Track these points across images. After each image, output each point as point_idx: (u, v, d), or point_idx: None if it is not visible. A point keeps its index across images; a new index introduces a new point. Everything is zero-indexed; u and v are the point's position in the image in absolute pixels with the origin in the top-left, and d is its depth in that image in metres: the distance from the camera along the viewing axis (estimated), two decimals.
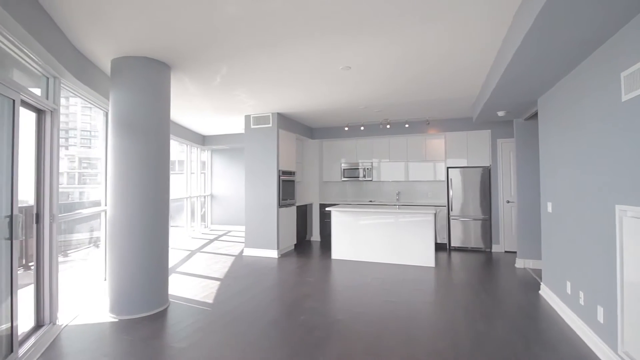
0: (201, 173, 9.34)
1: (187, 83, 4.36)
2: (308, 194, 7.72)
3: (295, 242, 6.74)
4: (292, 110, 5.98)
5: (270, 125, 6.04)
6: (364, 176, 7.47)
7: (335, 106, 5.64)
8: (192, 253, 6.31)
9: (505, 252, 6.37)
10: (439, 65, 3.74)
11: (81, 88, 3.44)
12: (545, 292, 3.90)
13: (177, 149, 8.23)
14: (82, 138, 4.97)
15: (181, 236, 8.10)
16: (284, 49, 3.29)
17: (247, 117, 6.21)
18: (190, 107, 5.78)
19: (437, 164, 7.02)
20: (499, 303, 3.70)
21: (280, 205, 6.07)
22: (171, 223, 8.85)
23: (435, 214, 5.37)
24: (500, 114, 4.86)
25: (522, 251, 5.30)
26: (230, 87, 4.56)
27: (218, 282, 4.45)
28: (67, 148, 4.45)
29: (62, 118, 3.15)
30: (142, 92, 3.48)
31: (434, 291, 4.12)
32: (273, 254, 5.95)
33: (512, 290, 4.18)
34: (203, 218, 9.53)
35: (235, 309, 3.51)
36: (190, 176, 8.34)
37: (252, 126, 6.16)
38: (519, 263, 5.29)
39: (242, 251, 6.29)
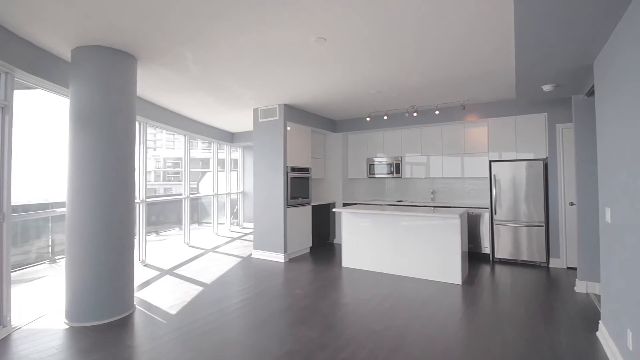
0: (232, 171, 9.29)
1: (170, 75, 4.07)
2: (330, 192, 7.08)
3: (310, 245, 6.18)
4: (300, 101, 5.41)
5: (276, 117, 5.55)
6: (393, 172, 6.58)
7: (343, 92, 4.92)
8: (204, 253, 6.14)
9: (568, 268, 4.99)
10: (462, 27, 2.83)
11: (40, 82, 3.32)
12: (603, 335, 2.76)
13: (202, 147, 8.24)
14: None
15: (207, 234, 8.10)
16: (247, 19, 2.74)
17: (255, 111, 5.81)
18: (198, 103, 5.58)
19: (480, 157, 5.83)
20: (537, 346, 2.69)
21: (288, 205, 5.56)
22: (201, 220, 8.98)
23: (461, 217, 4.35)
24: (546, 88, 3.68)
25: (583, 270, 4.02)
26: (212, 77, 4.17)
27: (200, 289, 4.11)
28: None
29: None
30: (102, 84, 3.24)
31: (442, 321, 3.22)
32: (280, 257, 5.47)
33: (562, 326, 3.06)
34: (236, 215, 9.50)
35: (191, 325, 3.09)
36: (218, 174, 8.29)
37: (260, 120, 5.75)
38: (580, 286, 4.01)
39: (251, 253, 5.93)
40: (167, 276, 4.65)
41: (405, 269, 4.60)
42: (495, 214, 5.41)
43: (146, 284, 4.29)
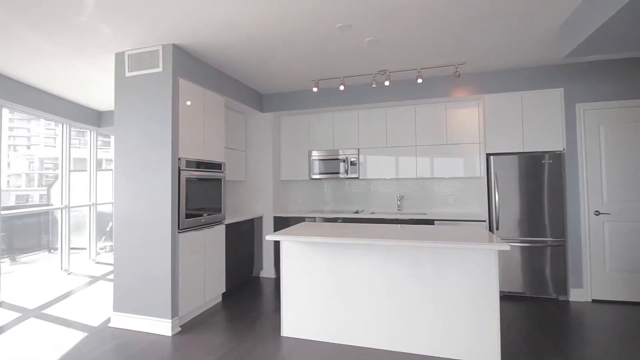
0: (104, 170, 6.22)
1: None
2: (254, 201, 4.76)
3: (223, 291, 3.76)
4: (204, 41, 3.01)
5: (159, 69, 3.05)
6: (346, 171, 4.58)
7: (287, 27, 2.72)
8: (16, 321, 3.23)
9: (594, 301, 3.62)
10: None
11: None
12: None
13: (44, 133, 5.11)
14: None
15: (81, 261, 5.07)
16: None
17: (119, 58, 3.19)
18: (29, 51, 2.79)
19: (468, 150, 4.20)
20: None
21: (182, 228, 3.09)
22: (54, 246, 5.72)
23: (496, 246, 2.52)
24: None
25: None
26: None
27: None
28: None
29: None
30: None
31: None
32: (163, 327, 2.94)
33: None
34: (110, 237, 6.41)
35: None
36: (69, 175, 5.21)
37: (127, 74, 3.15)
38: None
39: (109, 319, 3.26)
40: None
41: (404, 339, 2.57)
42: (497, 229, 3.81)
43: None
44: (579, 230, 3.66)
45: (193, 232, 3.24)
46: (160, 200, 2.99)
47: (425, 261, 2.53)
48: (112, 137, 6.31)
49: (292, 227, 3.13)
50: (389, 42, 3.06)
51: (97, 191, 5.78)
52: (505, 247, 2.19)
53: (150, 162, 3.04)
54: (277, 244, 4.63)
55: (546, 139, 3.76)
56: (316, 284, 2.77)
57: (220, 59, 3.43)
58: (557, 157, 3.68)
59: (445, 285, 2.49)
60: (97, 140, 5.78)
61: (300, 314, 2.81)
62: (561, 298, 3.69)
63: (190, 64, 3.27)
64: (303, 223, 3.39)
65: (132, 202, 3.09)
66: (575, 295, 3.65)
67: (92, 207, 5.69)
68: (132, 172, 3.10)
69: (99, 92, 4.47)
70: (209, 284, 3.49)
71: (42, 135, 5.80)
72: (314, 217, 4.44)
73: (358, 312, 2.67)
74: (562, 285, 3.65)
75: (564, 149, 3.71)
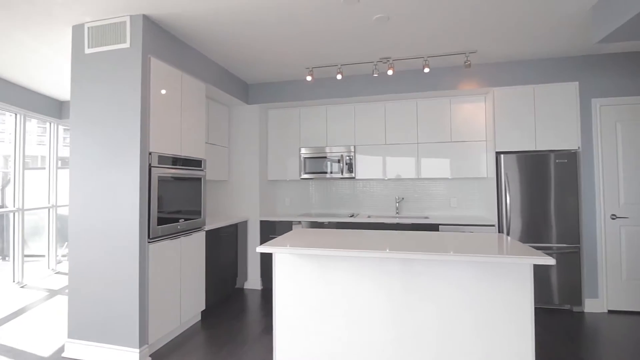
0: (62, 169, 5.53)
1: None
2: (238, 203, 4.26)
3: (203, 309, 3.26)
4: (181, 12, 2.52)
5: (126, 45, 2.52)
6: (341, 171, 4.17)
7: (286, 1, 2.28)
8: None
9: (610, 312, 3.36)
10: None
11: None
12: None
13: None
14: None
15: (38, 271, 4.38)
16: None
17: (77, 31, 2.64)
18: None
19: (474, 148, 3.87)
20: None
21: (153, 237, 2.58)
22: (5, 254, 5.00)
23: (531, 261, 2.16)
24: None
25: None
26: None
27: None
28: None
29: None
30: None
31: None
32: (129, 358, 2.43)
33: None
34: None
35: None
36: (21, 174, 4.54)
37: (87, 50, 2.61)
38: None
39: (62, 346, 2.70)
40: None
41: None
42: (508, 234, 3.49)
43: None
44: (594, 235, 3.39)
45: (167, 242, 2.73)
46: (125, 204, 2.46)
47: (446, 276, 2.14)
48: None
49: (285, 235, 2.67)
50: (397, 21, 2.66)
51: (58, 192, 5.11)
52: (550, 261, 1.83)
53: (114, 158, 2.51)
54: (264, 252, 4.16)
55: (560, 136, 3.48)
56: (316, 303, 2.33)
57: (201, 37, 2.93)
58: (571, 157, 3.40)
59: (469, 304, 2.11)
60: (57, 133, 5.11)
61: (297, 341, 2.36)
62: (575, 309, 3.41)
63: (165, 41, 2.76)
64: (297, 229, 2.94)
65: (91, 206, 2.55)
66: (591, 305, 3.38)
67: (51, 210, 5.02)
68: (91, 169, 2.56)
69: (58, 77, 3.86)
70: (186, 301, 2.98)
71: None
72: (306, 222, 4.00)
73: (365, 336, 2.25)
74: (576, 295, 3.37)
75: (578, 147, 3.44)
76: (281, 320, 2.37)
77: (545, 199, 3.43)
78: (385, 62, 3.45)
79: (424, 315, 2.16)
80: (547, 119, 3.50)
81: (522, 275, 2.06)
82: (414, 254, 1.97)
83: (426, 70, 3.33)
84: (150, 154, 2.56)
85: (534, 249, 2.06)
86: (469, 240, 2.37)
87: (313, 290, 2.32)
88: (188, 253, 3.01)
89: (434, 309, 2.14)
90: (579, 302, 3.38)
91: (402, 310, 2.18)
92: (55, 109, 4.82)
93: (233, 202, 4.27)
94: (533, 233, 3.44)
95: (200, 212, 3.19)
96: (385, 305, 2.21)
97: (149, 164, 2.55)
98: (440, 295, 2.14)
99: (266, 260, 4.14)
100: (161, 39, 2.71)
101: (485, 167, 3.82)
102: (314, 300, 2.31)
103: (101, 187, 2.52)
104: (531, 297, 2.02)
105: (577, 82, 3.45)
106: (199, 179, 3.19)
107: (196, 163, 3.16)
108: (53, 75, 3.81)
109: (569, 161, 3.40)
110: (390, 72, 3.36)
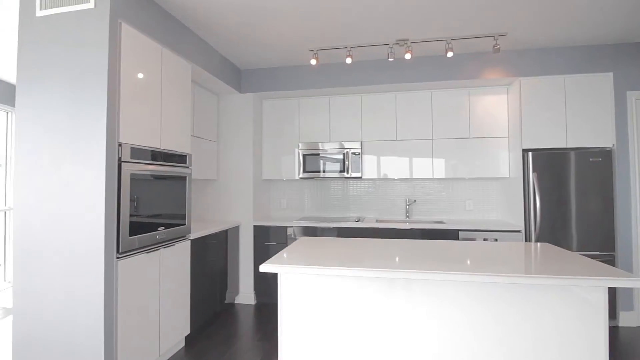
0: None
1: None
2: (229, 206, 3.72)
3: (188, 333, 2.72)
4: None
5: (90, 5, 1.96)
6: (346, 170, 3.70)
7: None
8: None
9: None
10: None
11: None
12: None
13: None
14: None
15: None
16: None
17: None
18: None
19: (495, 145, 3.48)
20: None
21: (123, 250, 2.02)
22: None
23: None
24: None
25: None
26: None
27: None
28: None
29: None
30: None
31: None
32: None
33: None
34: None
35: None
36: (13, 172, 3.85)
37: (39, 12, 2.03)
38: None
39: None
40: None
41: None
42: (537, 241, 3.12)
43: None
44: (630, 242, 3.06)
45: (142, 256, 2.18)
46: (86, 208, 1.91)
47: (493, 301, 1.71)
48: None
49: (291, 247, 2.17)
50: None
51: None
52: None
53: (71, 149, 1.94)
54: (257, 261, 3.64)
55: (593, 132, 3.13)
56: (334, 334, 1.85)
57: (187, 4, 2.39)
58: (606, 155, 3.06)
59: (527, 334, 1.68)
60: (14, 124, 4.40)
61: None
62: (609, 323, 3.07)
63: (141, 4, 2.21)
64: (302, 239, 2.43)
65: (42, 211, 1.97)
66: (625, 319, 3.05)
67: (6, 213, 4.32)
68: (41, 163, 1.99)
69: (11, 52, 3.22)
70: (166, 327, 2.43)
71: None
72: (306, 227, 3.50)
73: None
74: (610, 308, 3.03)
75: (613, 145, 3.10)
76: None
77: (579, 202, 3.07)
78: (402, 45, 3.00)
79: (466, 341, 1.71)
80: (578, 112, 3.14)
81: (597, 298, 1.65)
82: (489, 276, 1.52)
83: (449, 54, 2.91)
84: (120, 145, 2.00)
85: (611, 267, 1.65)
86: (519, 253, 1.94)
87: (335, 319, 1.83)
88: (169, 268, 2.46)
89: (481, 337, 1.70)
90: (613, 316, 3.04)
91: (467, 342, 1.72)
92: (8, 93, 4.13)
93: (222, 204, 3.72)
94: (565, 240, 3.08)
95: (184, 217, 2.64)
96: (407, 325, 1.74)
97: (119, 158, 1.99)
98: (503, 324, 1.70)
99: (260, 272, 3.62)
100: (136, 0, 2.16)
101: (506, 166, 3.44)
102: (337, 332, 1.83)
103: (55, 186, 1.95)
104: (605, 323, 1.61)
105: (611, 73, 3.10)
106: (184, 178, 2.64)
107: (180, 158, 2.61)
108: (3, 51, 3.16)
109: (604, 160, 3.05)
110: (408, 56, 2.92)
